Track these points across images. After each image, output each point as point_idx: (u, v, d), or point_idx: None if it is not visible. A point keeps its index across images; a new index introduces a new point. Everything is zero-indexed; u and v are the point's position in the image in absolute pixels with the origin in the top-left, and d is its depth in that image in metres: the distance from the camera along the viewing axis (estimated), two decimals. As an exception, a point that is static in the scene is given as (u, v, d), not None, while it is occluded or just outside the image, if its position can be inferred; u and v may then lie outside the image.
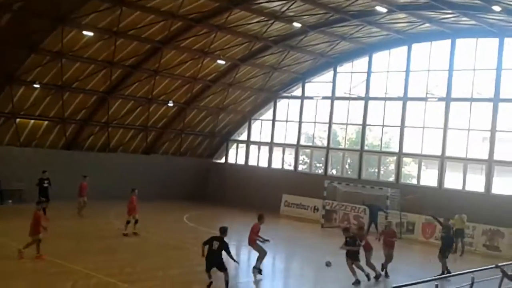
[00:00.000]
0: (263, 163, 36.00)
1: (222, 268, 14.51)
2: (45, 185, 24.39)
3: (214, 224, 22.57)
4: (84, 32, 24.82)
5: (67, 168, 30.03)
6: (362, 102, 31.53)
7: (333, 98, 32.77)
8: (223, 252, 14.41)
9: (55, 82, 27.26)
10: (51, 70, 26.55)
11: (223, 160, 38.37)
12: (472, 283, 11.68)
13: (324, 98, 33.09)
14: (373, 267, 17.56)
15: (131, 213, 21.53)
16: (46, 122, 29.15)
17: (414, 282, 10.82)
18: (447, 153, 28.03)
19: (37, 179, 24.87)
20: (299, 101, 34.57)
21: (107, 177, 31.25)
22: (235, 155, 37.89)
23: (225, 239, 14.47)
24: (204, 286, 14.32)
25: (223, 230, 14.65)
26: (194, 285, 15.04)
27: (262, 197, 33.12)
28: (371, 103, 31.29)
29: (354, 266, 16.87)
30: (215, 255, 14.38)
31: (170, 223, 26.21)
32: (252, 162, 36.77)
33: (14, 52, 24.91)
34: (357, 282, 16.64)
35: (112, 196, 29.51)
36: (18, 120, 27.93)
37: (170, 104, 32.02)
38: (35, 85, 26.58)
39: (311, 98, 33.83)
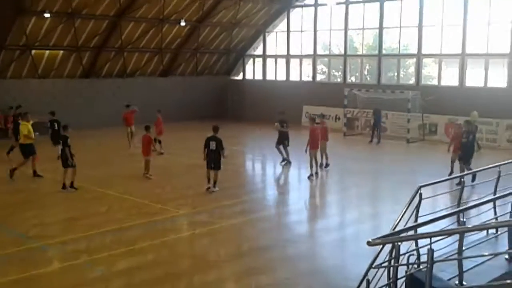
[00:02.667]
0: (281, 76, 35.77)
1: (217, 166, 16.02)
2: (56, 128, 21.93)
3: (236, 140, 22.85)
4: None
5: (88, 96, 30.39)
6: (378, 4, 30.62)
7: (347, 2, 31.86)
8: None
9: (65, 10, 26.94)
10: (60, -2, 26.19)
11: (240, 77, 38.20)
12: (498, 177, 11.80)
13: (338, 3, 32.17)
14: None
15: (161, 133, 22.65)
16: (61, 52, 29.13)
17: (440, 180, 10.94)
18: (468, 50, 27.43)
19: (47, 121, 23.77)
20: (312, 8, 33.72)
21: (126, 102, 31.44)
22: (252, 71, 37.66)
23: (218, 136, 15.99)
24: (233, 200, 14.70)
25: (216, 129, 16.21)
26: (224, 200, 15.44)
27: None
28: (386, 4, 30.38)
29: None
30: (213, 154, 15.94)
31: (193, 143, 26.45)
32: (270, 76, 36.54)
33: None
34: (283, 160, 20.13)
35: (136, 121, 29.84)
36: (33, 52, 27.92)
37: (183, 24, 31.54)
38: (46, 15, 26.29)
39: (324, 4, 32.91)
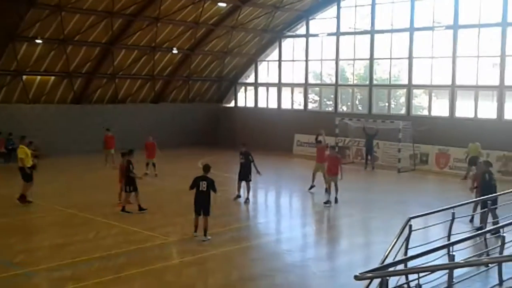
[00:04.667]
0: (273, 105, 35.91)
1: (207, 211, 14.13)
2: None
3: (228, 167, 22.78)
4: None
5: (78, 122, 30.35)
6: (368, 36, 30.99)
7: (338, 34, 32.22)
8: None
9: (57, 36, 27.02)
10: (52, 24, 26.29)
11: (232, 104, 38.31)
12: (489, 209, 11.80)
13: (329, 34, 32.53)
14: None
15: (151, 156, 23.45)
16: (52, 78, 29.13)
17: (430, 211, 10.91)
18: (458, 82, 27.71)
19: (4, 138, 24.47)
20: (304, 39, 34.06)
21: (118, 129, 31.41)
22: (244, 98, 37.80)
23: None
24: (223, 228, 14.55)
25: (207, 168, 14.36)
26: (214, 228, 15.27)
27: (274, 138, 33.27)
28: (377, 36, 30.73)
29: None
30: (204, 196, 14.08)
31: (184, 170, 26.39)
32: (261, 104, 36.68)
33: (13, 8, 24.63)
34: (237, 196, 19.03)
35: (124, 146, 29.71)
36: (24, 77, 27.91)
37: (175, 51, 31.73)
38: (37, 41, 26.36)
39: (316, 35, 33.29)
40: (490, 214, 13.18)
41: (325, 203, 18.59)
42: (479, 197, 14.87)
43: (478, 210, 15.06)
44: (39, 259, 12.47)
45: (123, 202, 17.15)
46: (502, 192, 12.93)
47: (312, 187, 20.63)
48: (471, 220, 15.29)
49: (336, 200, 18.72)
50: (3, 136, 27.15)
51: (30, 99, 28.81)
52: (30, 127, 28.48)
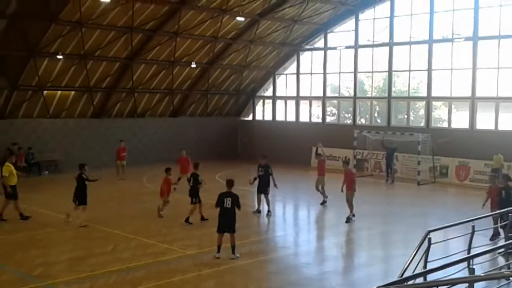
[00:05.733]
0: (291, 118, 35.89)
1: (232, 229, 13.64)
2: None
3: (245, 180, 22.74)
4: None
5: (98, 136, 30.67)
6: (387, 48, 30.88)
7: (356, 46, 32.18)
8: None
9: (78, 52, 27.38)
10: (73, 40, 26.63)
11: (250, 118, 38.37)
12: (510, 222, 11.59)
13: (347, 47, 32.51)
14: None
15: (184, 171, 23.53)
16: (73, 92, 29.47)
17: (449, 224, 10.77)
18: (478, 94, 27.44)
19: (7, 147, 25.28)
20: (322, 52, 34.07)
21: (137, 142, 31.80)
22: (262, 112, 37.85)
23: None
24: (241, 241, 14.47)
25: (231, 183, 13.93)
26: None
27: (292, 151, 33.21)
28: (396, 48, 30.63)
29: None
30: (230, 213, 13.56)
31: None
32: (279, 117, 36.69)
33: (34, 25, 25.08)
34: (257, 211, 19.07)
35: (143, 160, 30.01)
36: (45, 92, 28.27)
37: (193, 65, 31.93)
38: (58, 56, 26.72)
39: (334, 48, 33.28)
40: (505, 230, 12.49)
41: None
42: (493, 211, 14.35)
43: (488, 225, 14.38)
44: (57, 272, 12.53)
45: (189, 213, 17.53)
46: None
47: (324, 202, 20.56)
48: (492, 239, 14.73)
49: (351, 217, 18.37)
50: (23, 150, 27.51)
51: (50, 114, 29.17)
52: (51, 142, 28.99)
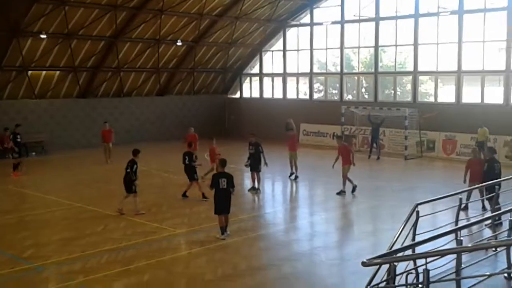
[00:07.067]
0: (278, 95, 35.85)
1: (227, 209, 13.49)
2: (18, 139, 23.27)
3: (236, 159, 22.78)
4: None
5: (84, 116, 30.48)
6: (373, 23, 30.81)
7: (342, 22, 32.05)
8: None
9: (61, 31, 27.05)
10: (56, 19, 26.30)
11: (237, 95, 38.26)
12: (497, 194, 11.74)
13: (333, 23, 32.38)
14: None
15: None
16: (57, 72, 29.19)
17: (437, 197, 10.89)
18: (464, 68, 27.55)
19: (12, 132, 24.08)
20: (308, 28, 33.91)
21: (124, 122, 31.67)
22: (249, 89, 37.74)
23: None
24: (231, 218, 14.50)
25: (224, 163, 13.63)
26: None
27: (280, 128, 33.15)
28: (382, 23, 30.57)
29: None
30: (225, 193, 13.32)
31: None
32: (267, 94, 36.63)
33: (16, 3, 24.66)
34: (252, 188, 19.05)
35: (131, 140, 29.85)
36: (30, 72, 27.97)
37: (179, 43, 31.68)
38: (42, 36, 26.39)
39: (320, 24, 33.13)
40: (490, 202, 12.58)
41: (338, 193, 18.54)
42: (472, 185, 14.46)
43: (472, 199, 15.09)
44: (48, 253, 12.54)
45: (187, 187, 17.98)
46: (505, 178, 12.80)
47: (292, 174, 21.15)
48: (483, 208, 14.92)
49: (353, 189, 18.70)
50: (11, 131, 27.13)
51: (36, 95, 28.89)
52: (37, 122, 28.73)
